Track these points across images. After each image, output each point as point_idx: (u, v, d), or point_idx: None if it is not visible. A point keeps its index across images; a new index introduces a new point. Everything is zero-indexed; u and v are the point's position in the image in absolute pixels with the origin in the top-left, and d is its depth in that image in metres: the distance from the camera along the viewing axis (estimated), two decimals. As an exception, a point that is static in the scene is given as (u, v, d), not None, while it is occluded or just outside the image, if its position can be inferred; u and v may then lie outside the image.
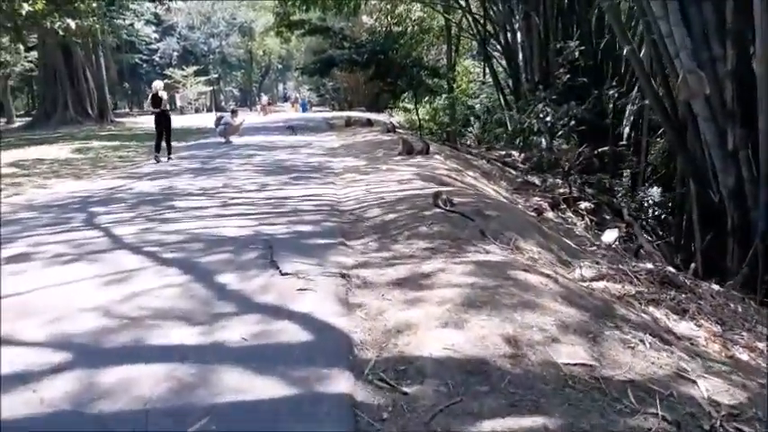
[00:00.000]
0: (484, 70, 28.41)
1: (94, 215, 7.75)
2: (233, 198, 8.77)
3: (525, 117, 12.90)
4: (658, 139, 18.36)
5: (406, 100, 30.89)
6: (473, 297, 4.17)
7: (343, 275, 4.88)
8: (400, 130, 21.50)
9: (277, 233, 6.58)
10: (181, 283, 4.79)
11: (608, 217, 13.82)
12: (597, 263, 7.48)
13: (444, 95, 27.15)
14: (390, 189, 9.18)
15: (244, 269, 5.13)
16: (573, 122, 13.07)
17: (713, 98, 9.09)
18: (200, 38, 57.79)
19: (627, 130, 16.88)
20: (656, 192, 15.89)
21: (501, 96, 25.53)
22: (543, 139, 12.30)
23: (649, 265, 8.07)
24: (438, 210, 7.41)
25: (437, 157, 12.77)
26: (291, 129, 22.56)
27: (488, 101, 29.48)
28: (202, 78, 51.43)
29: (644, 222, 13.71)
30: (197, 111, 51.85)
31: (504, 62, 26.23)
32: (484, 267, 5.08)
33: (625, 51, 10.34)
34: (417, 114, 27.41)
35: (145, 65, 54.15)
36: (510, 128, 23.53)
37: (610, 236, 12.56)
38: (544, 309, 3.98)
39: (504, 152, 17.95)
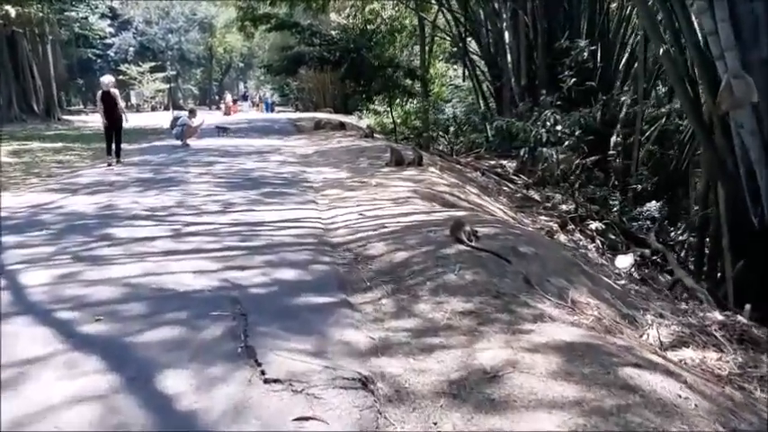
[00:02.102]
0: (464, 73, 26.76)
1: None
2: (189, 224, 6.84)
3: (529, 125, 11.21)
4: (652, 146, 17.02)
5: (377, 102, 29.35)
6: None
7: (363, 383, 3.05)
8: (378, 136, 19.72)
9: (250, 284, 4.73)
10: (99, 396, 2.91)
11: (614, 236, 12.25)
12: (661, 315, 5.93)
13: (417, 99, 25.66)
14: (389, 212, 7.37)
15: (203, 362, 3.27)
16: (579, 131, 11.44)
17: (762, 108, 7.63)
18: (157, 33, 55.06)
19: (614, 138, 15.54)
20: (653, 206, 14.42)
21: (481, 101, 23.97)
22: (554, 152, 10.62)
23: (718, 316, 6.62)
24: (461, 246, 5.67)
25: (432, 169, 11.00)
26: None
27: (463, 105, 28.10)
28: (160, 75, 48.79)
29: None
30: (153, 109, 49.21)
31: (482, 64, 24.74)
32: (573, 357, 3.36)
33: (661, 52, 8.71)
34: (393, 118, 25.75)
35: (99, 60, 51.20)
36: (491, 134, 22.05)
37: (624, 261, 11.03)
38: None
39: (494, 162, 16.29)
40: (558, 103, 11.77)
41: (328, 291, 4.66)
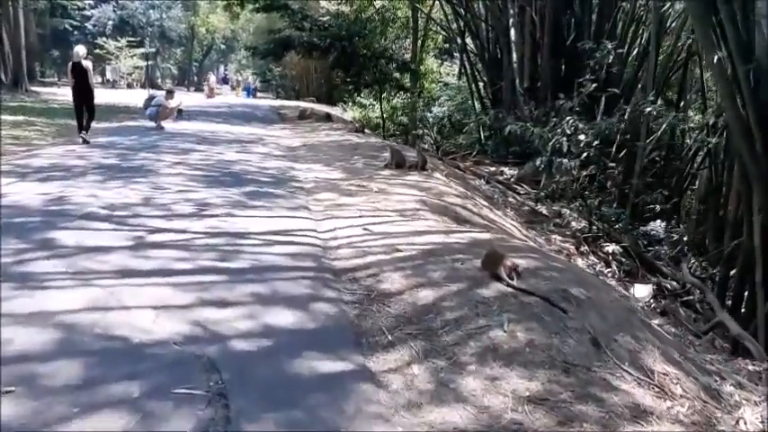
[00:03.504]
0: (460, 71, 25.58)
1: None
2: (155, 231, 5.51)
3: (546, 132, 10.03)
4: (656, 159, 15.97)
5: (364, 95, 28.10)
6: None
7: None
8: (368, 131, 18.46)
9: (232, 332, 3.45)
10: None
11: (624, 259, 11.16)
12: (740, 385, 4.82)
13: (408, 94, 24.54)
14: (398, 229, 6.13)
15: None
16: (597, 142, 10.31)
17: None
18: (138, 8, 52.80)
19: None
20: (659, 226, 13.36)
21: (476, 101, 22.80)
22: (573, 163, 9.46)
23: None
24: (500, 285, 4.48)
25: (437, 175, 9.76)
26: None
27: (452, 104, 27.07)
28: (138, 51, 46.66)
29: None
30: (129, 86, 47.03)
31: (477, 63, 23.54)
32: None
33: (714, 59, 7.56)
34: (382, 112, 24.50)
35: (75, 32, 48.84)
36: (483, 136, 20.89)
37: (642, 291, 9.96)
38: None
39: (494, 168, 15.11)
40: (576, 109, 10.62)
41: (339, 348, 3.41)
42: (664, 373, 3.82)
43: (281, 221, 6.28)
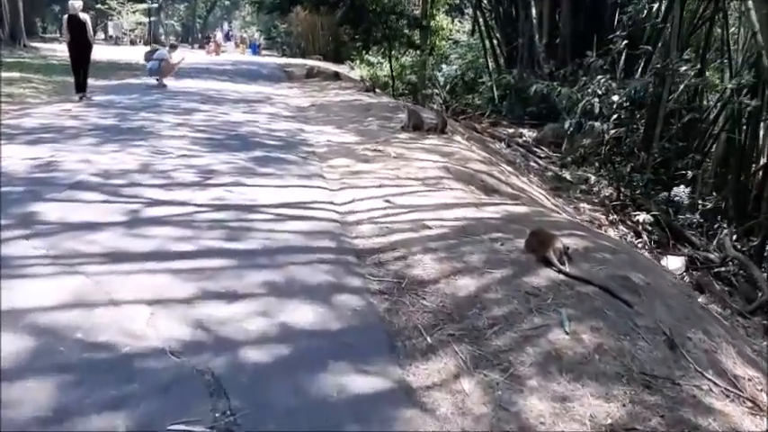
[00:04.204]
0: (473, 27, 24.56)
1: None
2: (153, 203, 4.89)
3: (576, 92, 9.31)
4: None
5: (372, 53, 27.22)
6: None
7: None
8: (378, 90, 17.68)
9: (242, 338, 2.86)
10: None
11: (650, 227, 10.52)
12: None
13: (418, 52, 23.67)
14: (424, 202, 5.50)
15: None
16: (628, 104, 9.59)
17: None
18: (141, -39, 51.38)
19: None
20: (683, 191, 12.64)
21: (490, 59, 21.92)
22: (605, 126, 8.76)
23: None
24: (550, 271, 3.87)
25: (458, 139, 9.07)
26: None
27: (463, 62, 26.21)
28: (141, 7, 45.42)
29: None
30: (132, 43, 45.82)
31: (490, 19, 22.56)
32: None
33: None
34: (391, 71, 23.68)
35: (76, -14, 47.59)
36: (497, 95, 20.06)
37: (675, 263, 9.36)
38: None
39: (512, 130, 14.38)
40: (605, 67, 9.87)
41: (371, 356, 2.82)
42: (748, 379, 3.27)
43: (294, 192, 5.65)
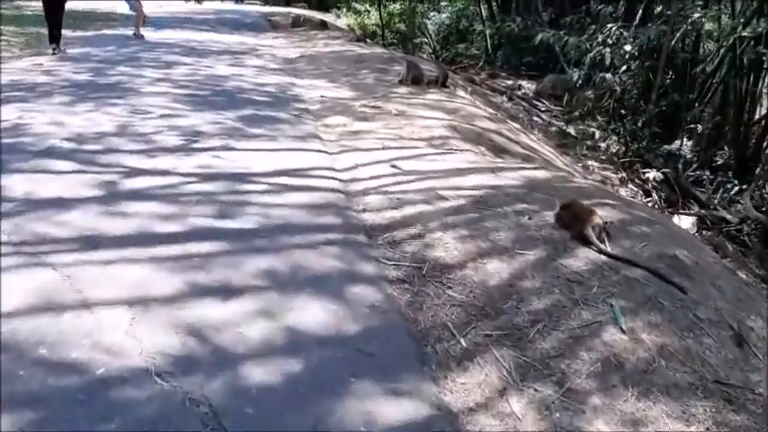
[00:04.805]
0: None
1: None
2: (132, 173, 4.33)
3: (585, 41, 8.71)
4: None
5: (359, 0, 26.36)
6: None
7: None
8: (368, 41, 16.93)
9: (243, 349, 2.38)
10: None
11: (658, 185, 10.06)
12: None
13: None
14: (433, 167, 4.98)
15: None
16: (637, 53, 9.01)
17: None
18: None
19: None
20: (685, 145, 12.14)
21: (484, 6, 21.14)
22: (618, 78, 8.20)
23: None
24: (589, 251, 3.41)
25: (461, 93, 8.49)
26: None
27: (452, 9, 25.43)
28: (116, -47, 43.66)
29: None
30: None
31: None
32: None
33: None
34: (381, 18, 22.88)
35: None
36: (490, 45, 19.31)
37: (685, 223, 8.96)
38: None
39: (511, 82, 13.77)
40: (616, 15, 9.25)
41: (398, 368, 2.36)
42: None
43: (290, 156, 5.11)
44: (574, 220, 3.62)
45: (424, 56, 24.37)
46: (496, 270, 3.18)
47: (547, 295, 2.95)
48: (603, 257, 3.35)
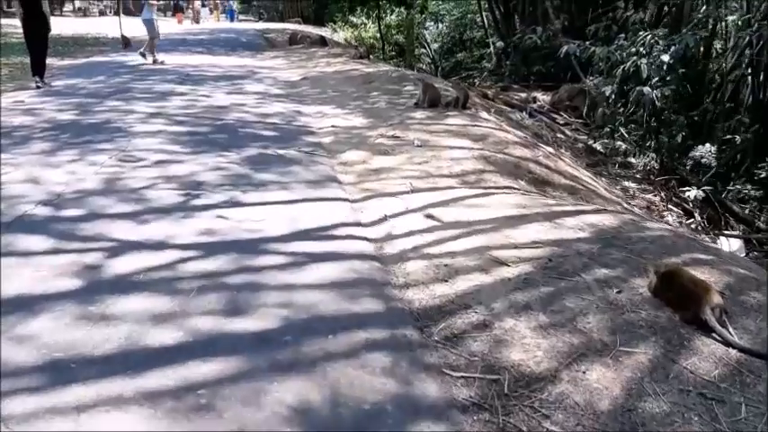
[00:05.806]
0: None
1: None
2: (120, 248, 3.54)
3: (614, 52, 7.93)
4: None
5: (356, 14, 25.87)
6: None
7: None
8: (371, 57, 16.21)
9: None
10: None
11: (692, 200, 9.27)
12: None
13: (406, 11, 22.30)
14: (477, 215, 4.19)
15: None
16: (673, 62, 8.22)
17: None
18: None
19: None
20: (708, 150, 11.34)
21: (485, 13, 20.45)
22: (657, 92, 7.42)
23: None
24: (711, 342, 2.61)
25: (485, 115, 7.71)
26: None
27: (451, 18, 25.04)
28: (108, -25, 43.04)
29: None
30: (101, 14, 43.64)
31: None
32: None
33: None
34: (380, 31, 22.28)
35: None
36: (494, 54, 18.62)
37: (733, 246, 8.19)
38: None
39: (524, 94, 13.00)
40: (647, 21, 8.51)
41: None
42: None
43: (307, 210, 4.33)
44: (683, 298, 2.84)
45: (423, 66, 23.80)
46: (603, 383, 2.39)
47: (683, 426, 2.15)
48: (732, 351, 2.56)
